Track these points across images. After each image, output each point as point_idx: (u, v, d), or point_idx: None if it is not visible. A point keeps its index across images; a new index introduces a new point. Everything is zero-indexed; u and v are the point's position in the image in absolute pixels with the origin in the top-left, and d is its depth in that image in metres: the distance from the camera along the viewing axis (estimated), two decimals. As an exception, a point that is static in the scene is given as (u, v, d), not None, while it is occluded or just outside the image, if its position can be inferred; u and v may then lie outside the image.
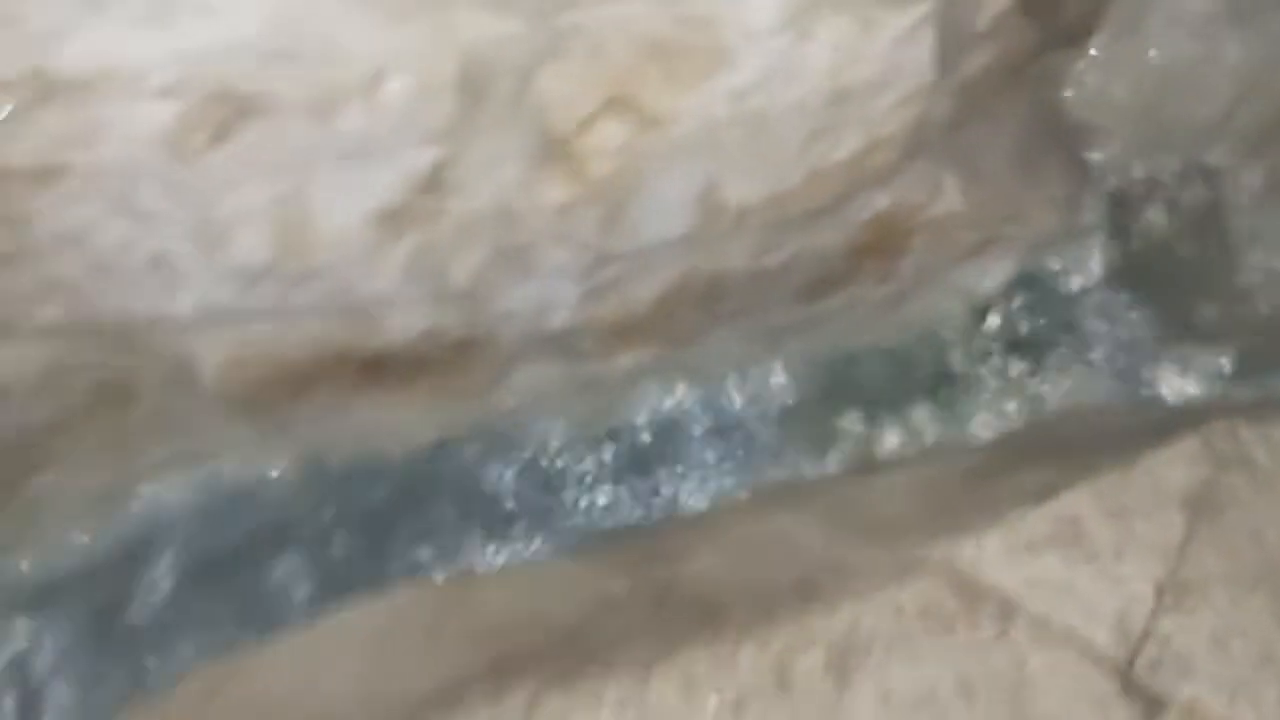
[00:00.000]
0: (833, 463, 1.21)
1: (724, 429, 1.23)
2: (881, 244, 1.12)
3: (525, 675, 0.89)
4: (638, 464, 1.19)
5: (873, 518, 1.09)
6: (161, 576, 1.11)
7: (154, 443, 1.03)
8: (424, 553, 1.08)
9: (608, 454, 1.19)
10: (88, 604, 1.09)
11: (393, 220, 0.86)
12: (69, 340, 0.88)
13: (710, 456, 1.22)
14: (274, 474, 1.11)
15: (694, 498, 1.18)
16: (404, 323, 0.98)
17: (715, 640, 0.92)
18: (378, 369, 1.02)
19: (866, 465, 1.20)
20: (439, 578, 1.06)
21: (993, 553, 0.98)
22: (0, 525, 0.99)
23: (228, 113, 0.75)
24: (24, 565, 1.02)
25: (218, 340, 0.92)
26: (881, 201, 1.05)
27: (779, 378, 1.25)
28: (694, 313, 1.11)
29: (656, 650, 0.92)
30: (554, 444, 1.18)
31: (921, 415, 1.26)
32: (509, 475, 1.15)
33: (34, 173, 0.74)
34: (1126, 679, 0.93)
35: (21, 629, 1.06)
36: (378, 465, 1.13)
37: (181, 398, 0.98)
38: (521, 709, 0.86)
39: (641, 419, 1.23)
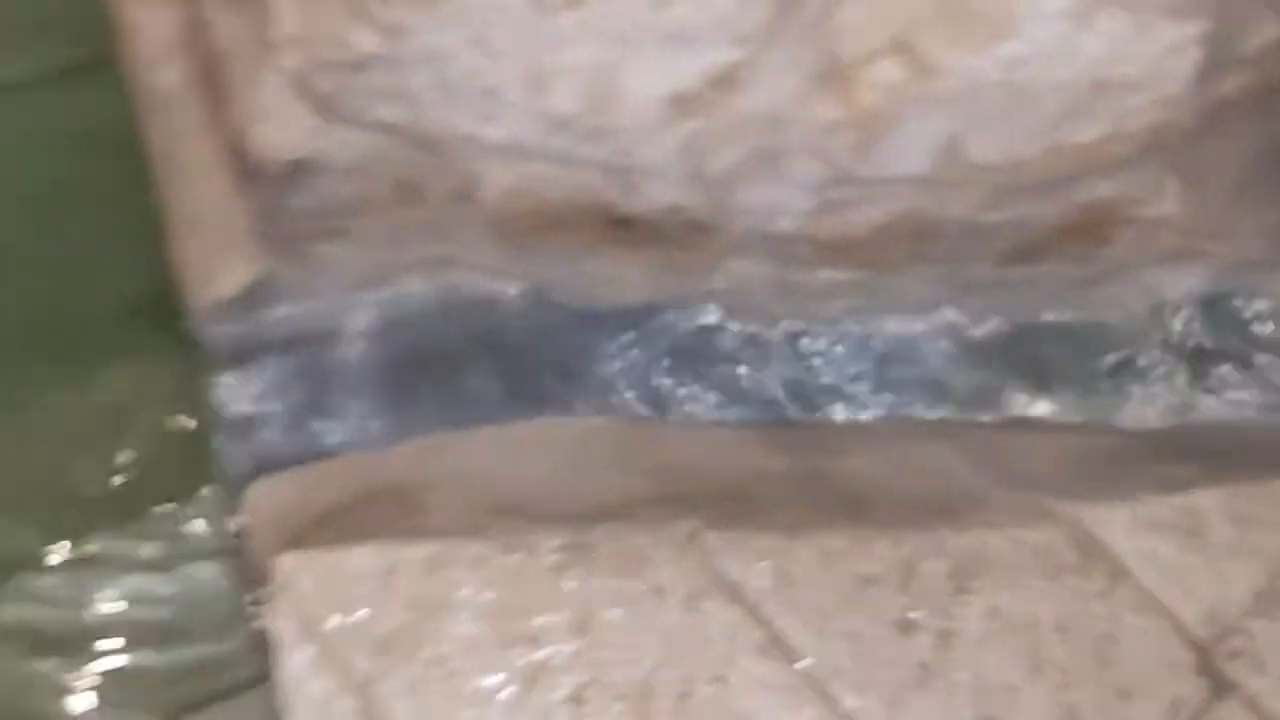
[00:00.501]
0: (988, 413, 1.32)
1: (898, 357, 1.35)
2: (1091, 228, 1.21)
3: (690, 512, 1.04)
4: (813, 367, 1.32)
5: (1015, 468, 1.20)
6: (388, 354, 1.29)
7: (421, 242, 1.19)
8: (617, 392, 1.24)
9: (787, 352, 1.33)
10: (316, 360, 1.28)
11: (683, 104, 0.99)
12: (391, 138, 1.04)
13: (879, 377, 1.34)
14: (508, 294, 1.27)
15: (855, 410, 1.31)
16: (657, 194, 1.11)
17: (855, 527, 1.06)
18: (622, 228, 1.16)
19: (1018, 422, 1.31)
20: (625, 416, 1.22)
21: (1117, 523, 1.09)
22: (289, 275, 1.17)
23: (585, -18, 0.89)
24: (298, 311, 1.21)
25: (507, 170, 1.07)
26: (1104, 189, 1.14)
27: (960, 325, 1.35)
28: (903, 247, 1.22)
29: (802, 521, 1.06)
30: (746, 330, 1.32)
31: (1080, 392, 1.36)
32: (701, 346, 1.30)
33: (419, -4, 0.89)
34: (1205, 659, 1.04)
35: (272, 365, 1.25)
36: (594, 310, 1.29)
37: (457, 211, 1.14)
38: (681, 538, 1.02)
39: (825, 330, 1.36)
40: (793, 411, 1.31)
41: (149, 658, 1.46)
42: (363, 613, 0.93)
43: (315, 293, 1.21)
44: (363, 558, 0.96)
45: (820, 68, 1.00)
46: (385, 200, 1.12)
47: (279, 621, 0.93)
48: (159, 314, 2.07)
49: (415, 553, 0.97)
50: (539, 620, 0.95)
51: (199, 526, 1.55)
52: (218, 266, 1.19)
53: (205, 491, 1.58)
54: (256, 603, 1.18)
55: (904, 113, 1.03)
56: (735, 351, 1.32)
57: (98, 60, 2.16)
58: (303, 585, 0.94)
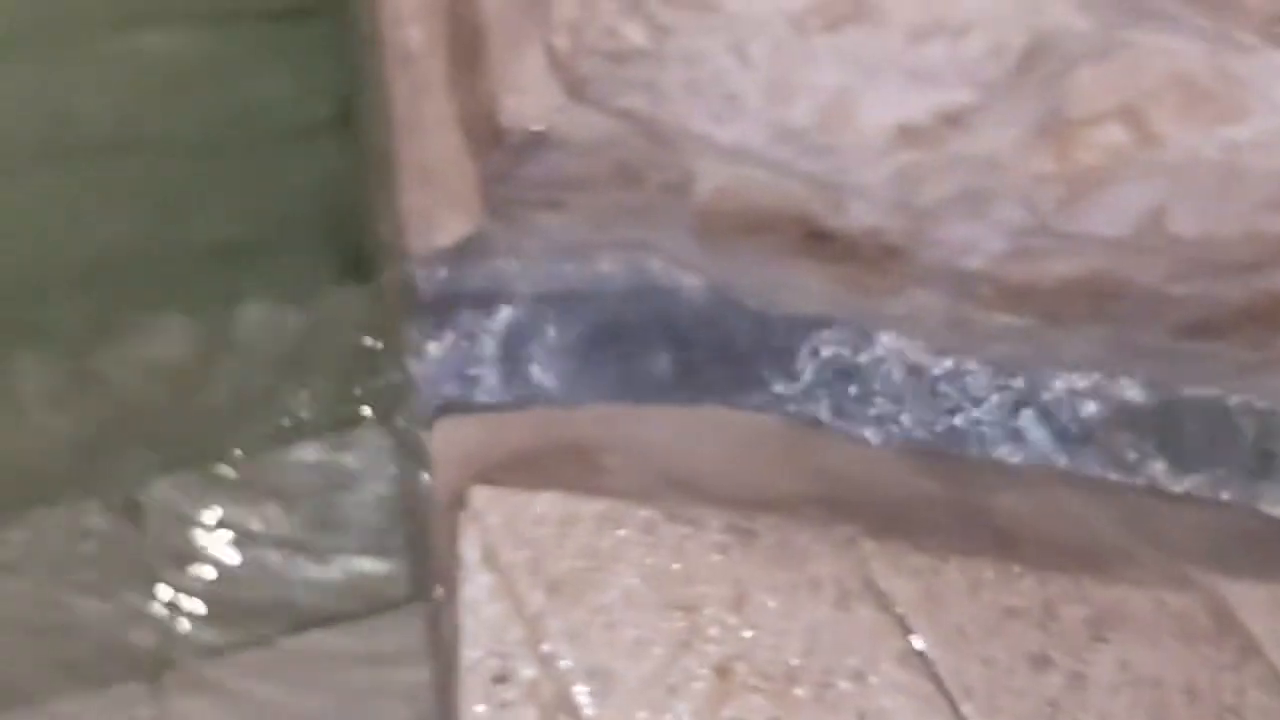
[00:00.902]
0: (1136, 477, 1.35)
1: (1054, 409, 1.39)
2: (1272, 315, 1.24)
3: (849, 519, 1.10)
4: (970, 404, 1.37)
5: (1159, 532, 1.24)
6: (574, 322, 1.37)
7: (625, 224, 1.27)
8: (783, 395, 1.30)
9: (947, 386, 1.37)
10: (510, 317, 1.37)
11: (908, 135, 1.05)
12: (626, 125, 1.12)
13: (1033, 425, 1.39)
14: (692, 285, 1.34)
15: (1005, 451, 1.35)
16: (861, 214, 1.17)
17: (1003, 561, 1.10)
18: (817, 241, 1.22)
19: (1163, 492, 1.34)
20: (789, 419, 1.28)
21: (1255, 601, 1.12)
22: (502, 235, 1.26)
23: (846, 11, 0.95)
24: (503, 270, 1.29)
25: (725, 170, 1.14)
26: (1294, 280, 1.17)
27: (1120, 388, 1.39)
28: (1084, 304, 1.26)
29: (953, 546, 1.11)
30: (911, 358, 1.37)
31: (1228, 472, 1.39)
32: (867, 365, 1.35)
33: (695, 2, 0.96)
34: (1325, 748, 1.07)
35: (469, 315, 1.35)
36: (769, 313, 1.35)
37: (666, 201, 1.21)
38: (840, 541, 1.07)
39: (986, 371, 1.40)
40: (945, 443, 1.36)
41: (309, 569, 1.58)
42: (540, 553, 1.01)
43: (520, 255, 1.30)
44: (546, 503, 1.04)
45: (1045, 121, 1.05)
46: (605, 181, 1.20)
47: (465, 547, 1.01)
48: (350, 250, 2.21)
49: (593, 507, 1.04)
50: (698, 590, 1.02)
51: (374, 451, 1.67)
52: (439, 218, 1.28)
53: (379, 420, 1.70)
54: (428, 527, 1.27)
55: (1117, 176, 1.08)
56: (898, 376, 1.37)
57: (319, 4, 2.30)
58: (490, 518, 1.02)
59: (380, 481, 1.67)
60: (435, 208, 1.31)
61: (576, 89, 1.09)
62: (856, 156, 1.10)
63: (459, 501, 1.06)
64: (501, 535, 1.02)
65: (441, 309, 1.34)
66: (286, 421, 1.84)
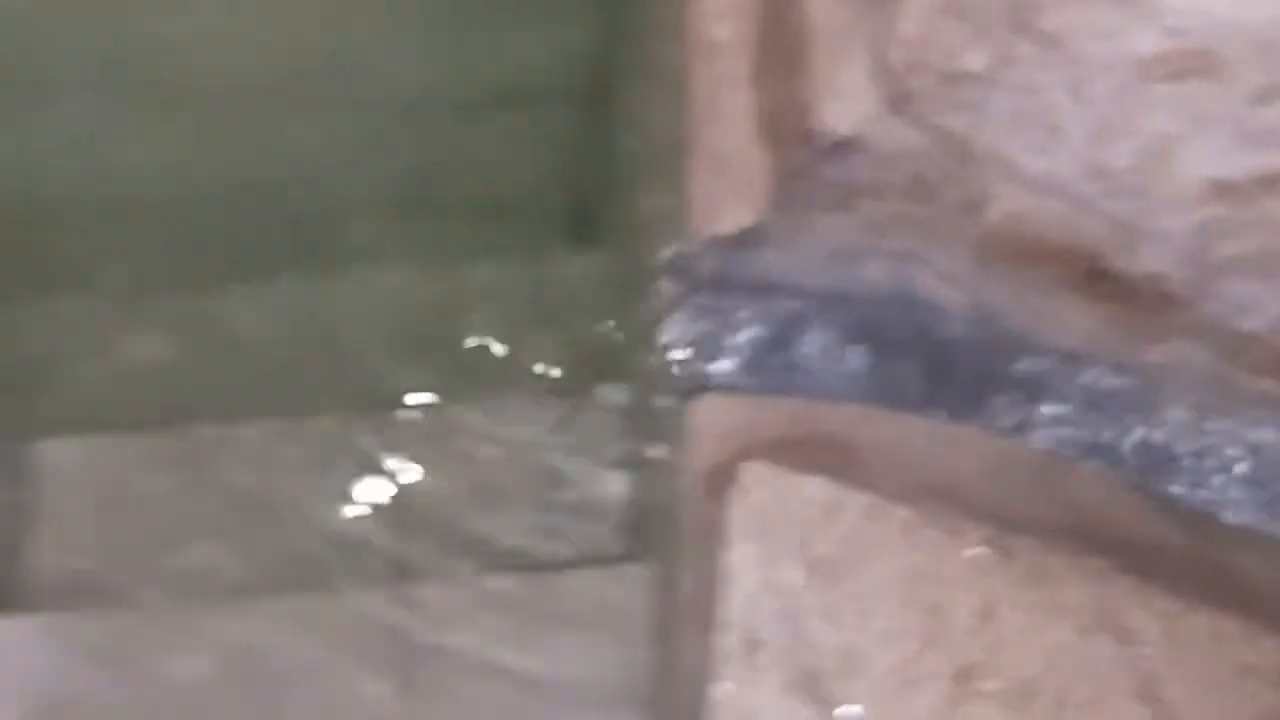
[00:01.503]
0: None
1: (1298, 479, 1.39)
2: None
3: (1099, 553, 1.13)
4: (1217, 464, 1.37)
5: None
6: (836, 322, 1.43)
7: (904, 235, 1.31)
8: (1031, 424, 1.33)
9: (1198, 442, 1.38)
10: (776, 309, 1.43)
11: (1222, 190, 1.07)
12: (936, 141, 1.16)
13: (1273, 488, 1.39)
14: (956, 303, 1.38)
15: (1249, 516, 1.35)
16: (1150, 259, 1.19)
17: (1244, 618, 1.12)
18: (1096, 279, 1.24)
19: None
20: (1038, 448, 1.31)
21: None
22: (783, 229, 1.33)
23: (1196, 64, 0.97)
24: (777, 263, 1.36)
25: (1023, 197, 1.18)
26: None
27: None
28: (1357, 380, 1.25)
29: (1196, 596, 1.13)
30: (1166, 408, 1.38)
31: None
32: (1120, 408, 1.37)
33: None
34: None
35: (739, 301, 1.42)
36: (1027, 341, 1.38)
37: (951, 219, 1.25)
38: (1090, 572, 1.10)
39: (1238, 433, 1.40)
40: (1189, 496, 1.37)
41: (521, 516, 1.68)
42: (804, 533, 1.07)
43: (796, 251, 1.36)
44: (814, 487, 1.10)
45: (1364, 196, 1.06)
46: (898, 191, 1.25)
47: (734, 517, 1.07)
48: (587, 218, 2.31)
49: (857, 499, 1.10)
50: (949, 595, 1.06)
51: (599, 415, 1.76)
52: (725, 205, 1.35)
53: (608, 385, 1.79)
54: (669, 494, 1.35)
55: None
56: (1149, 424, 1.39)
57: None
58: (760, 494, 1.09)
59: (601, 444, 1.75)
60: (722, 195, 1.38)
61: (898, 103, 1.14)
62: (1163, 204, 1.12)
63: (727, 475, 1.13)
64: (769, 511, 1.08)
65: (710, 291, 1.41)
66: (513, 377, 1.96)
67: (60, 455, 1.52)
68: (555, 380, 1.88)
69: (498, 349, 1.96)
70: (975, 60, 1.05)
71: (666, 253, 1.52)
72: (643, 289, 1.66)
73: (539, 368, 1.89)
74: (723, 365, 1.32)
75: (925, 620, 1.06)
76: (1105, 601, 1.08)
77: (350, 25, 2.30)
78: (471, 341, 1.97)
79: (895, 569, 1.08)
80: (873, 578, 1.07)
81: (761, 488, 1.09)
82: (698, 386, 1.32)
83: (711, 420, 1.26)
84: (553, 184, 2.34)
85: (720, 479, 1.15)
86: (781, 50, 1.31)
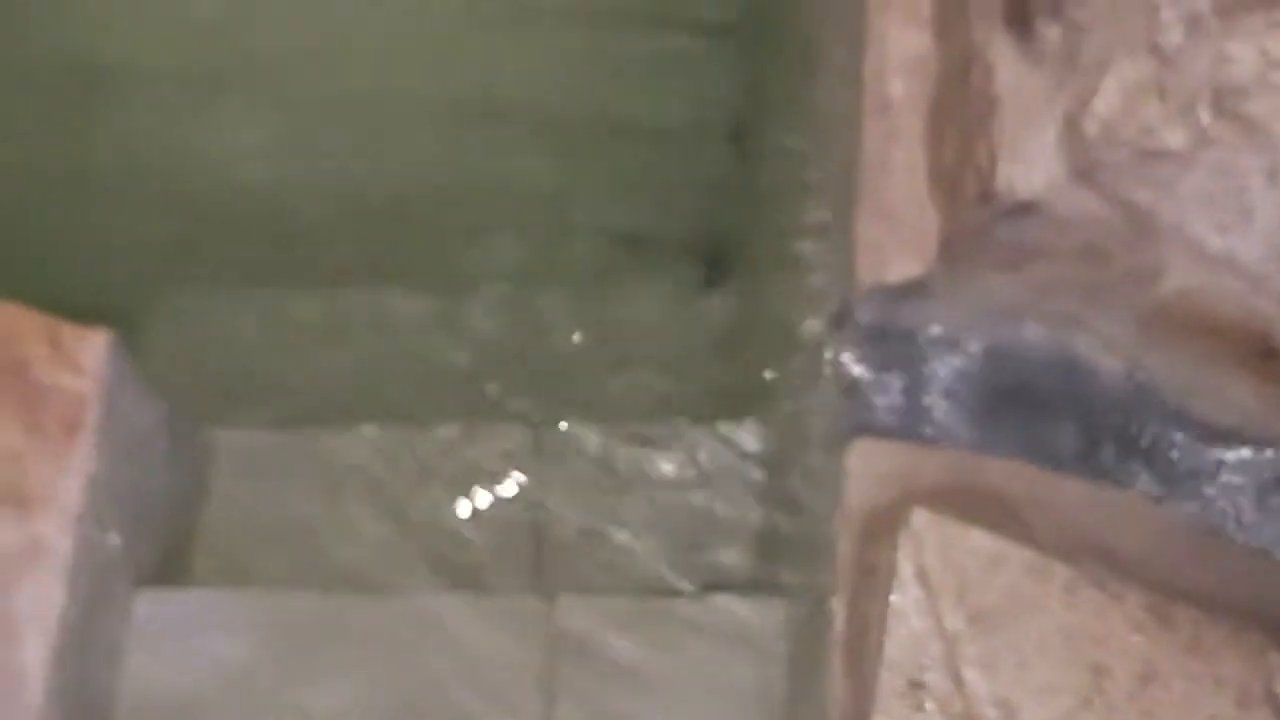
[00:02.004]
0: None
1: None
2: None
3: (1258, 629, 1.14)
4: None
5: None
6: (990, 378, 1.45)
7: (1069, 298, 1.34)
8: (1186, 495, 1.35)
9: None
10: (932, 359, 1.47)
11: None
12: (1116, 210, 1.19)
13: None
14: (1113, 370, 1.40)
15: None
16: (1319, 341, 1.21)
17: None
18: (1264, 359, 1.26)
19: None
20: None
21: None
22: (947, 282, 1.36)
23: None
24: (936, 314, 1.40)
25: (1198, 273, 1.20)
26: None
27: None
28: None
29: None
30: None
31: None
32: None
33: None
34: None
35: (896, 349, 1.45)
36: (1184, 412, 1.39)
37: (1123, 286, 1.28)
38: (1252, 648, 1.11)
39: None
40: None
41: (660, 541, 1.72)
42: (967, 582, 1.10)
43: (960, 305, 1.39)
44: (979, 538, 1.13)
45: None
46: (1069, 255, 1.28)
47: (901, 561, 1.11)
48: (724, 255, 2.36)
49: (1021, 554, 1.12)
50: (1110, 657, 1.08)
51: (738, 450, 1.80)
52: (892, 255, 1.39)
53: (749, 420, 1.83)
54: (823, 533, 1.38)
55: None
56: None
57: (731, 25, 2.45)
58: (927, 540, 1.12)
59: (740, 477, 1.79)
60: (889, 246, 1.42)
61: (1086, 173, 1.17)
62: (1346, 288, 1.14)
63: (889, 519, 1.17)
64: (935, 557, 1.11)
65: (871, 339, 1.45)
66: (651, 408, 2.00)
67: (234, 442, 1.61)
68: (695, 412, 1.92)
69: (637, 378, 2.01)
70: (1173, 139, 1.07)
71: (827, 296, 1.57)
72: (792, 329, 1.71)
73: (679, 399, 1.94)
74: (881, 411, 1.36)
75: (1084, 679, 1.08)
76: (1265, 677, 1.09)
77: (506, 52, 2.39)
78: (611, 369, 2.03)
79: (1054, 626, 1.10)
80: (1032, 632, 1.10)
81: (929, 534, 1.13)
82: (855, 430, 1.36)
83: (868, 464, 1.29)
84: (690, 216, 2.40)
85: (880, 522, 1.19)
86: (960, 111, 1.35)
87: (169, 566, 1.53)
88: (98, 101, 2.17)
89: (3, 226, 2.00)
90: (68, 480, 1.23)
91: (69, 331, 1.28)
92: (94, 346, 1.28)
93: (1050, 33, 1.17)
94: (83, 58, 2.18)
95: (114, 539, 1.34)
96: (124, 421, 1.33)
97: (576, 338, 2.08)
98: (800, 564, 1.45)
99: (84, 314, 1.43)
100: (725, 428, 1.86)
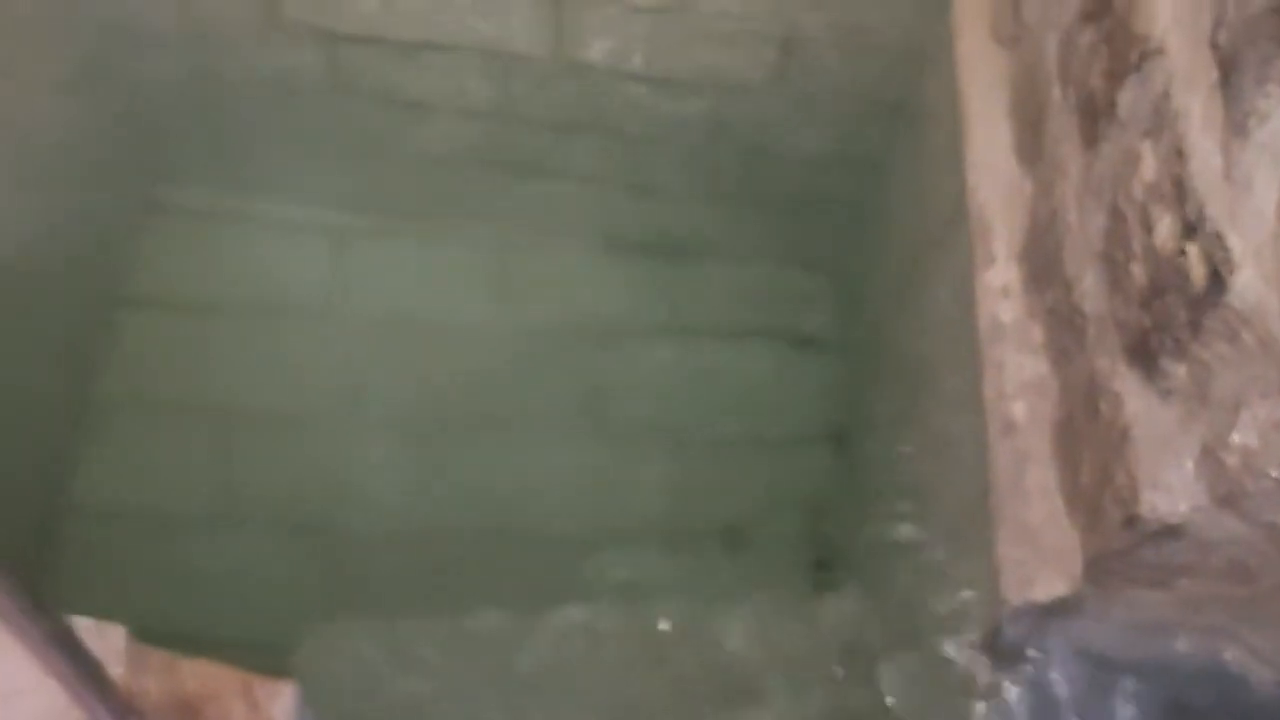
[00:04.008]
0: None
1: None
2: None
3: None
4: None
5: None
6: (1141, 690, 1.47)
7: (1216, 612, 1.38)
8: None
9: None
10: (1085, 674, 1.49)
11: None
12: (1259, 531, 1.25)
13: None
14: (1264, 680, 1.41)
15: None
16: None
17: None
18: None
19: None
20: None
21: None
22: (1096, 601, 1.40)
23: None
24: (1086, 630, 1.43)
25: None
26: None
27: None
28: None
29: None
30: None
31: None
32: None
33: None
34: None
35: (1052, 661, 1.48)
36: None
37: (1271, 600, 1.32)
38: None
39: None
40: None
41: None
42: None
43: (1107, 622, 1.43)
44: None
45: None
46: (1215, 572, 1.32)
47: None
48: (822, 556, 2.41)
49: None
50: None
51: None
52: (1035, 575, 1.44)
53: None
54: None
55: None
56: None
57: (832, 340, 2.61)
58: None
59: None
60: (1033, 565, 1.47)
61: (1229, 500, 1.23)
62: None
63: None
64: None
65: (1016, 656, 1.48)
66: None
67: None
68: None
69: (758, 691, 2.02)
70: (1317, 473, 1.14)
71: (968, 615, 1.61)
72: (918, 638, 1.73)
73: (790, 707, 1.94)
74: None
75: None
76: None
77: (615, 367, 2.55)
78: (728, 682, 2.04)
79: None
80: None
81: None
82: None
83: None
84: (797, 519, 2.47)
85: None
86: (1092, 436, 1.43)
87: None
88: (238, 441, 2.33)
89: (154, 562, 2.11)
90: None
91: (260, 685, 1.34)
92: (283, 698, 1.34)
93: (1177, 370, 1.27)
94: (226, 401, 2.36)
95: None
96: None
97: (690, 650, 2.11)
98: None
99: (231, 645, 1.50)
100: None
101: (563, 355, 2.58)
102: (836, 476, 2.44)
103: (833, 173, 2.42)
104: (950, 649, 1.61)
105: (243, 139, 2.49)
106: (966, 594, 1.58)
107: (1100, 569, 1.42)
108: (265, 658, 1.52)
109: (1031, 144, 1.76)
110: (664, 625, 2.10)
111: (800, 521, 2.47)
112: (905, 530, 1.96)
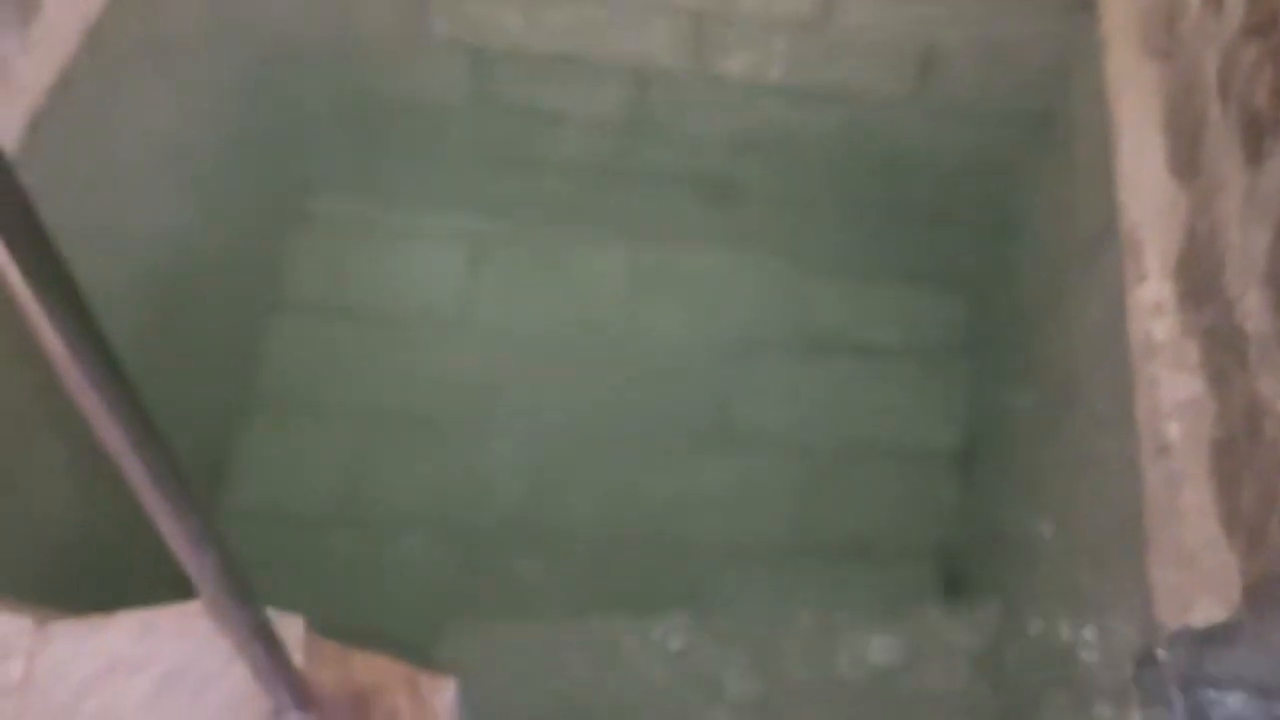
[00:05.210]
0: None
1: None
2: None
3: None
4: None
5: None
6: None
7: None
8: None
9: None
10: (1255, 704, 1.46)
11: None
12: None
13: None
14: None
15: None
16: None
17: None
18: None
19: None
20: None
21: None
22: (1254, 627, 1.37)
23: None
24: (1243, 657, 1.40)
25: None
26: None
27: None
28: None
29: None
30: None
31: None
32: None
33: None
34: None
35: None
36: None
37: None
38: None
39: None
40: None
41: None
42: None
43: (1263, 649, 1.40)
44: None
45: None
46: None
47: None
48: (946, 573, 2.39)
49: None
50: None
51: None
52: (1196, 600, 1.41)
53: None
54: None
55: None
56: None
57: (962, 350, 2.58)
58: None
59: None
60: (1190, 589, 1.44)
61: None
62: None
63: None
64: None
65: (1175, 682, 1.46)
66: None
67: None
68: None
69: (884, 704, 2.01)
70: None
71: (1118, 639, 1.58)
72: (1059, 660, 1.71)
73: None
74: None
75: None
76: None
77: (741, 382, 2.56)
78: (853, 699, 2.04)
79: None
80: None
81: None
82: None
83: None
84: (924, 533, 2.45)
85: None
86: (1254, 458, 1.40)
87: None
88: (377, 443, 2.41)
89: (295, 557, 2.19)
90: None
91: (424, 680, 1.39)
92: (446, 692, 1.39)
93: (1349, 395, 1.24)
94: (367, 404, 2.44)
95: None
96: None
97: (810, 666, 2.11)
98: None
99: (371, 639, 1.55)
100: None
101: (692, 366, 2.60)
102: (965, 492, 2.41)
103: (971, 186, 2.40)
104: (1099, 673, 1.58)
105: (387, 150, 2.58)
106: (1115, 617, 1.55)
107: (1262, 594, 1.38)
108: (401, 653, 1.58)
109: (1187, 159, 1.73)
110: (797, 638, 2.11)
111: (928, 535, 2.45)
112: (1045, 549, 1.94)
